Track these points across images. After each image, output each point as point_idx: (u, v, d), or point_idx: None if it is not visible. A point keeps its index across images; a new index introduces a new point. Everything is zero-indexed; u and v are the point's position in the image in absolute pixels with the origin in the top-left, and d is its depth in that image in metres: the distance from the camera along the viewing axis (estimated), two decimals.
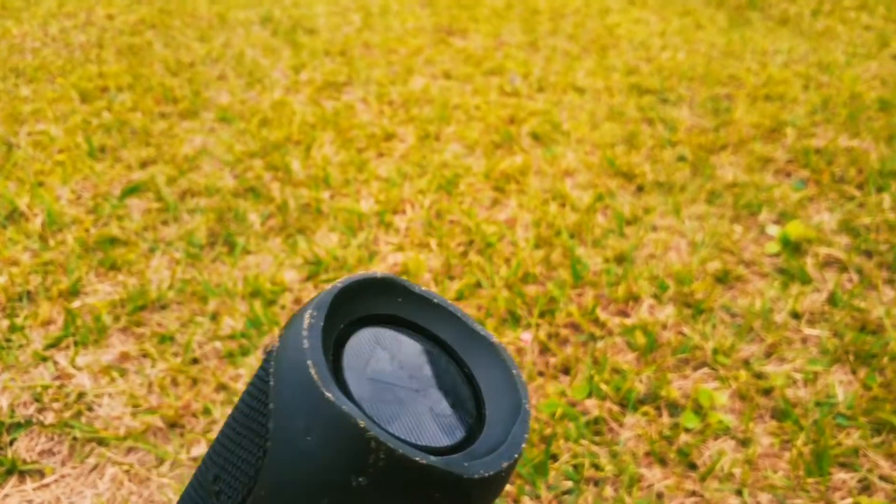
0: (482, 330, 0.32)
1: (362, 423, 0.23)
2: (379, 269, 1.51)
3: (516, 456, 0.27)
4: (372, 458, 0.23)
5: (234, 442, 0.27)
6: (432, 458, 0.24)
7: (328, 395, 0.23)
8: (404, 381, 0.28)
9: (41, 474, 1.05)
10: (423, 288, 0.33)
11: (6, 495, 1.02)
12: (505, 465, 0.26)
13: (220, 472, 0.28)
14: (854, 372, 1.25)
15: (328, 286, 0.29)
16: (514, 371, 0.31)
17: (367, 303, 0.30)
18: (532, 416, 0.31)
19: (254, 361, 1.25)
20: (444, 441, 0.27)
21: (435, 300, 0.32)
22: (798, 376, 1.24)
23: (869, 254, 1.57)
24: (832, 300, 1.42)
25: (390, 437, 0.24)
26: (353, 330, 0.29)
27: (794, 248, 1.58)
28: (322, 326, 0.26)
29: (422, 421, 0.27)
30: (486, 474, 0.25)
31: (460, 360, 0.32)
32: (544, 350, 1.30)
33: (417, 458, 0.23)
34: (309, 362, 0.24)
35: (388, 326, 0.31)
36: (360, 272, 0.30)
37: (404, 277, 1.44)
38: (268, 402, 0.25)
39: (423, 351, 0.31)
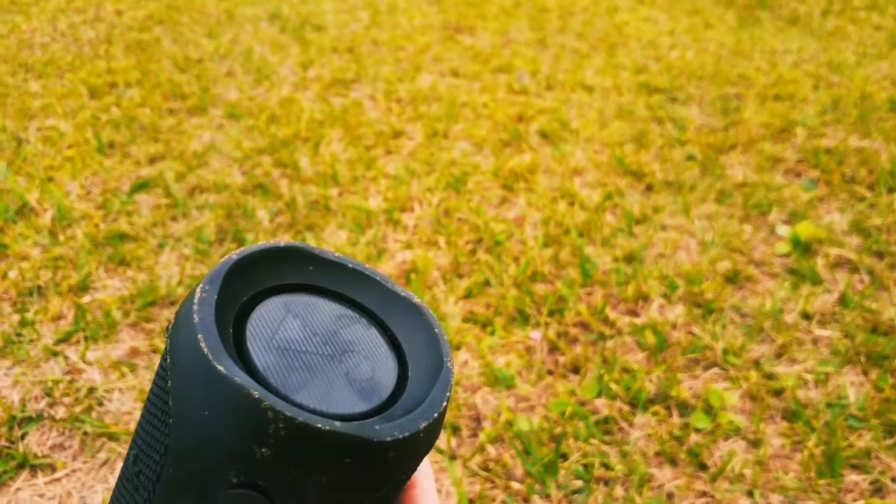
0: (403, 291, 0.31)
1: (256, 394, 0.22)
2: (387, 266, 1.50)
3: (435, 415, 0.26)
4: (272, 427, 0.22)
5: (147, 422, 0.27)
6: (337, 423, 0.23)
7: (219, 367, 0.23)
8: (317, 348, 0.27)
9: (52, 468, 1.05)
10: (337, 253, 0.32)
11: (18, 489, 1.02)
12: (423, 425, 0.25)
13: (139, 452, 0.27)
14: (866, 373, 1.24)
15: (222, 259, 0.28)
16: (436, 330, 0.30)
17: (276, 272, 0.29)
18: (454, 374, 0.30)
19: None
20: (359, 406, 0.26)
21: (350, 265, 0.31)
22: (809, 377, 1.23)
23: (880, 255, 1.57)
24: (843, 301, 1.41)
25: (289, 405, 0.23)
26: (260, 300, 0.28)
27: (804, 248, 1.58)
28: (215, 300, 0.25)
29: (335, 387, 0.26)
30: (401, 436, 0.24)
31: (382, 323, 0.31)
32: (553, 349, 1.30)
33: (319, 425, 0.23)
34: (199, 336, 0.24)
35: (303, 293, 0.30)
36: (265, 241, 0.29)
37: (413, 275, 1.44)
38: (167, 378, 0.25)
39: (340, 315, 0.30)
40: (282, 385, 0.25)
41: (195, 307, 0.25)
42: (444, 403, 0.27)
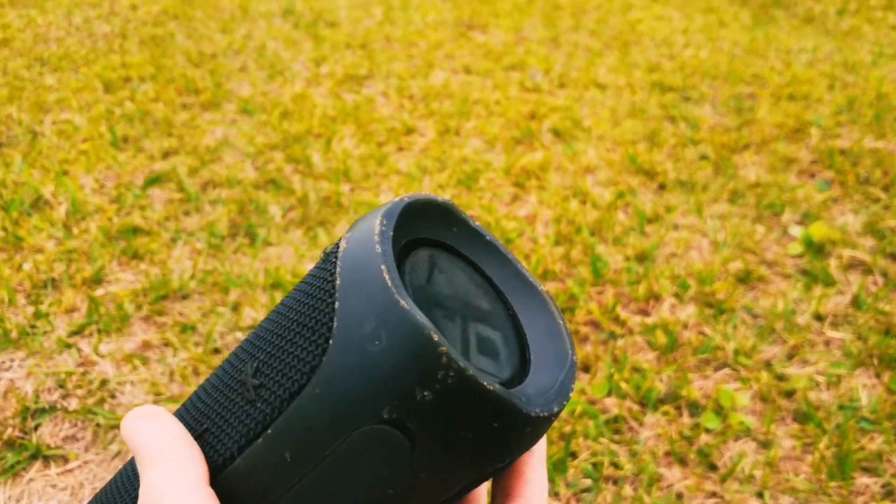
0: (530, 276, 0.31)
1: (436, 337, 0.22)
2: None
3: (565, 403, 0.26)
4: (441, 373, 0.22)
5: (282, 337, 0.26)
6: (498, 385, 0.23)
7: (402, 303, 0.22)
8: (460, 308, 0.27)
9: (65, 460, 1.06)
10: (477, 223, 0.31)
11: (31, 479, 1.03)
12: (556, 409, 0.26)
13: (262, 365, 0.26)
14: (878, 376, 1.24)
15: (392, 199, 0.28)
16: (560, 321, 0.30)
17: (424, 225, 0.29)
18: (577, 368, 0.30)
19: None
20: (497, 373, 0.26)
21: (487, 237, 0.31)
22: (821, 379, 1.23)
23: (894, 256, 1.56)
24: (856, 303, 1.41)
25: (461, 356, 0.23)
26: (409, 249, 0.28)
27: (817, 249, 1.57)
28: (392, 236, 0.25)
29: (475, 350, 0.26)
30: (542, 414, 0.25)
31: (506, 301, 0.30)
32: None
33: (485, 383, 0.23)
34: (383, 267, 0.23)
35: (444, 253, 0.30)
36: (421, 193, 0.29)
37: None
38: (331, 300, 0.24)
39: (477, 283, 0.30)
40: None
41: (376, 238, 0.25)
42: (571, 394, 0.27)
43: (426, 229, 0.29)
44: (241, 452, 0.26)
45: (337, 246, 0.26)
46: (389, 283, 0.23)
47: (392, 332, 0.22)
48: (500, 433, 0.24)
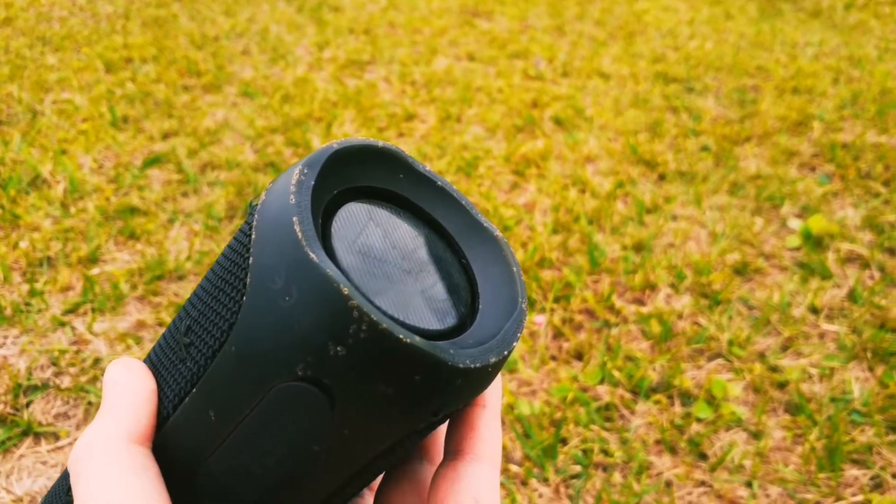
0: (486, 221, 0.30)
1: (346, 290, 0.21)
2: None
3: (506, 353, 0.25)
4: (353, 328, 0.21)
5: (209, 294, 0.26)
6: (416, 338, 0.22)
7: (312, 255, 0.22)
8: (396, 260, 0.26)
9: (56, 437, 1.07)
10: (428, 168, 0.30)
11: (21, 456, 1.03)
12: (493, 360, 0.25)
13: (193, 324, 0.26)
14: (871, 369, 1.23)
15: (322, 146, 0.27)
16: (514, 268, 0.29)
17: (364, 173, 0.28)
18: (525, 316, 0.28)
19: None
20: (433, 325, 0.25)
21: (439, 182, 0.30)
22: (814, 371, 1.23)
23: (892, 251, 1.55)
24: (852, 296, 1.40)
25: (375, 309, 0.22)
26: (344, 200, 0.27)
27: (815, 242, 1.56)
28: (312, 185, 0.24)
29: (410, 301, 0.25)
30: (473, 366, 0.24)
31: (458, 249, 0.29)
32: (558, 335, 1.30)
33: (401, 336, 0.22)
34: (294, 219, 0.23)
35: (384, 203, 0.28)
36: (363, 137, 0.28)
37: None
38: (247, 255, 0.24)
39: (420, 234, 0.28)
40: (362, 287, 0.24)
41: (292, 188, 0.24)
42: (514, 343, 0.26)
43: (365, 177, 0.28)
44: (175, 410, 0.26)
45: (258, 198, 0.25)
46: (300, 235, 0.22)
47: (302, 286, 0.22)
48: (425, 386, 0.23)
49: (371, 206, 0.28)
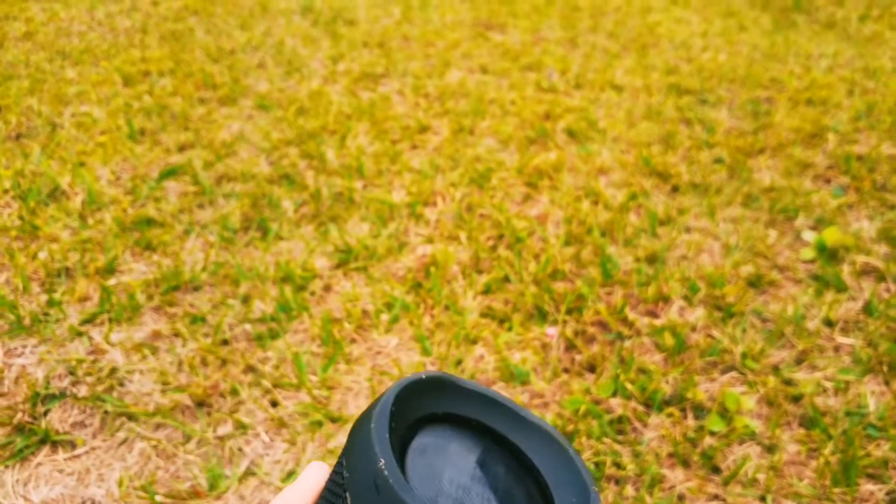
0: (534, 417, 0.34)
1: None
2: (407, 260, 1.51)
3: None
4: None
5: None
6: None
7: (405, 497, 0.25)
8: (465, 483, 0.30)
9: (73, 445, 1.08)
10: (470, 381, 0.34)
11: (38, 464, 1.05)
12: None
13: None
14: (887, 383, 1.22)
15: (384, 390, 0.31)
16: (572, 454, 0.32)
17: (421, 402, 0.32)
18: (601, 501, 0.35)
19: (282, 345, 1.26)
20: None
21: (485, 393, 0.34)
22: (829, 385, 1.22)
23: None
24: (868, 309, 1.39)
25: None
26: (411, 433, 0.31)
27: (830, 254, 1.55)
28: (388, 438, 0.28)
29: None
30: None
31: (518, 450, 0.33)
32: (570, 347, 1.30)
33: None
34: (382, 462, 0.26)
35: (444, 425, 0.32)
36: (409, 374, 0.32)
37: (432, 269, 1.45)
38: (345, 495, 0.28)
39: (481, 451, 0.32)
40: None
41: (374, 436, 0.28)
42: None
43: (425, 405, 0.32)
44: None
45: (340, 463, 0.30)
46: (391, 481, 0.26)
47: None
48: None
49: (435, 433, 0.32)
